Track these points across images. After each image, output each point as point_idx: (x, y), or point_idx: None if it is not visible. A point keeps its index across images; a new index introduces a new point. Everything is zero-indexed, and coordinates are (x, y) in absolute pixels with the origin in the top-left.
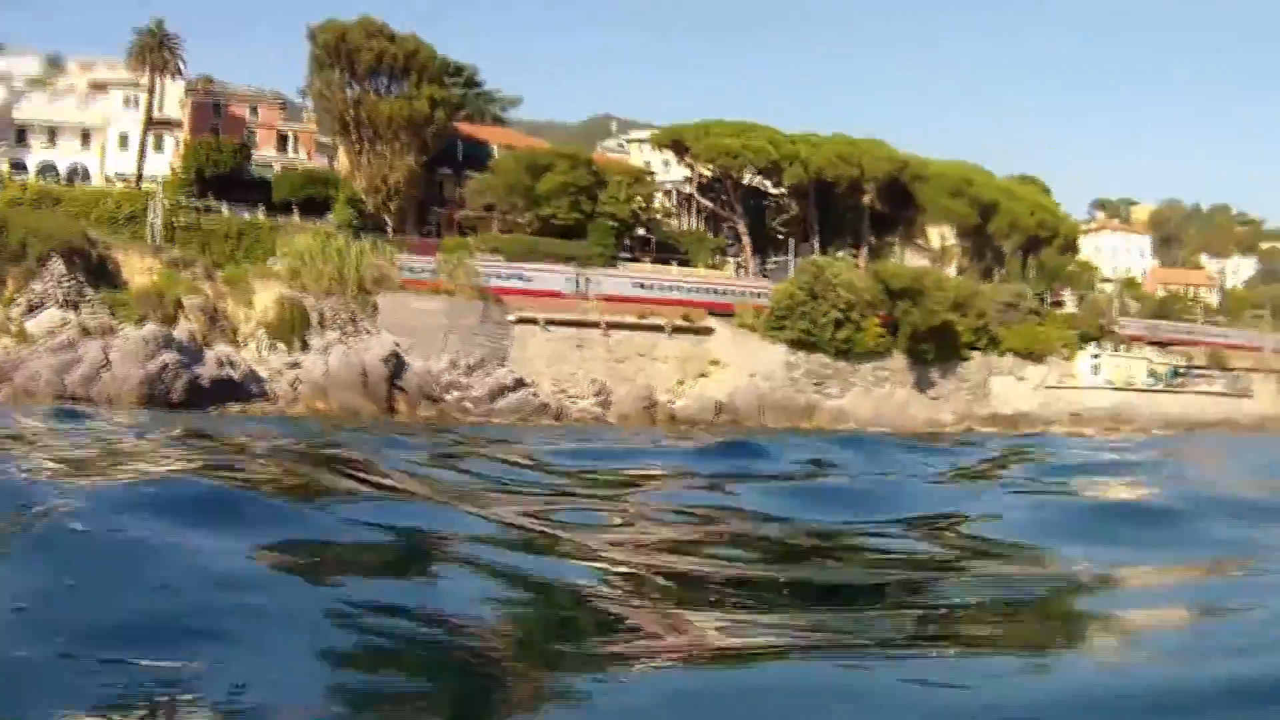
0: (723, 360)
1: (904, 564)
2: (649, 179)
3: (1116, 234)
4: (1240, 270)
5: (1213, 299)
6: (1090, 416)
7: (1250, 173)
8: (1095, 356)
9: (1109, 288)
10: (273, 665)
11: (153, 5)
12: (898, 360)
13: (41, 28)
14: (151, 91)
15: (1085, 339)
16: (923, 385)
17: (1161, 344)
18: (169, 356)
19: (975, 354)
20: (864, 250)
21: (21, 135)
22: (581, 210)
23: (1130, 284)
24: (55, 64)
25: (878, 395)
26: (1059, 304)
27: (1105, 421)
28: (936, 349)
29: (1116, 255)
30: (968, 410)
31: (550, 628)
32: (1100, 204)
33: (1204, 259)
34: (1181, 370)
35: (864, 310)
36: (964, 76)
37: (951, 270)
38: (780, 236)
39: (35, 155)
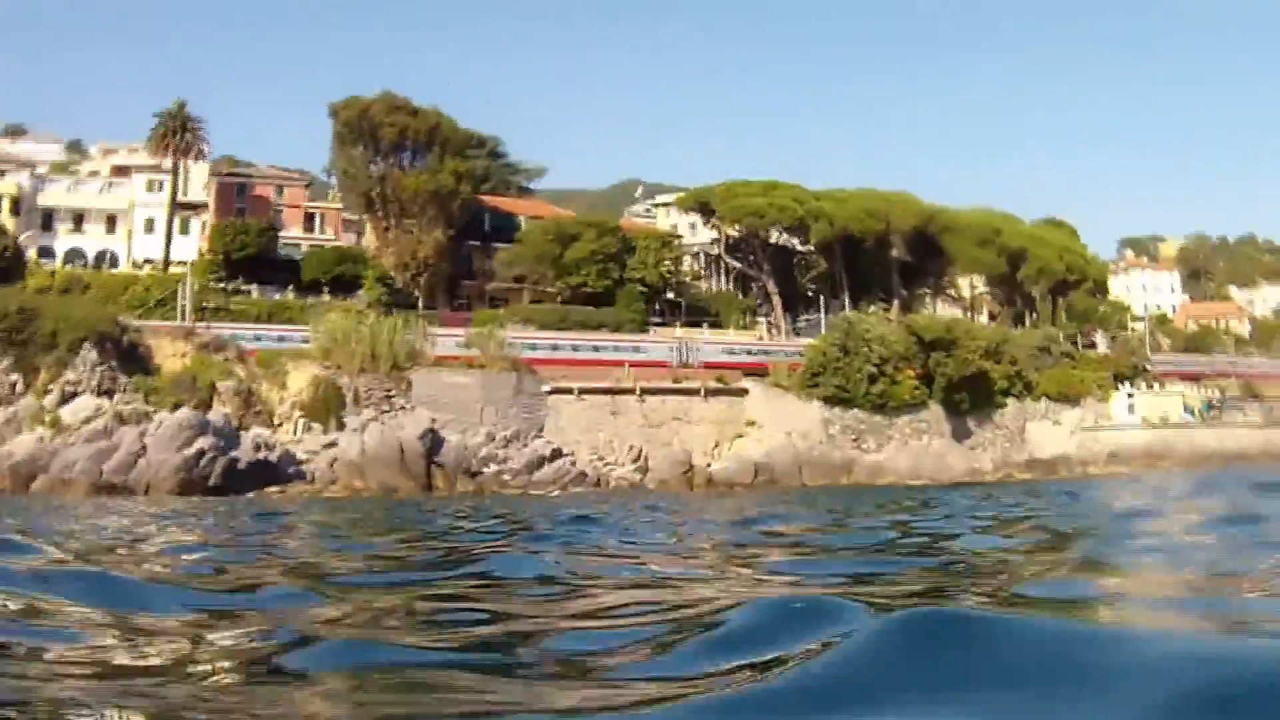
0: (758, 420)
1: None
2: (676, 242)
3: (1145, 272)
4: (1270, 299)
5: (1244, 329)
6: (1127, 455)
7: (1276, 201)
8: (1129, 396)
9: (1140, 326)
10: None
11: (173, 89)
12: (934, 411)
13: (61, 113)
14: (175, 174)
15: (1119, 379)
16: (959, 435)
17: (1194, 378)
18: (205, 441)
19: (1010, 400)
20: (895, 303)
21: (47, 221)
22: (610, 277)
23: (1161, 320)
24: (77, 149)
25: (915, 448)
26: (1091, 345)
27: (1142, 460)
28: (971, 398)
29: (1146, 293)
30: (1005, 457)
31: None
32: (1128, 242)
33: (1233, 290)
34: (1216, 404)
35: (897, 363)
36: (987, 123)
37: (983, 318)
38: (810, 294)
39: (61, 241)
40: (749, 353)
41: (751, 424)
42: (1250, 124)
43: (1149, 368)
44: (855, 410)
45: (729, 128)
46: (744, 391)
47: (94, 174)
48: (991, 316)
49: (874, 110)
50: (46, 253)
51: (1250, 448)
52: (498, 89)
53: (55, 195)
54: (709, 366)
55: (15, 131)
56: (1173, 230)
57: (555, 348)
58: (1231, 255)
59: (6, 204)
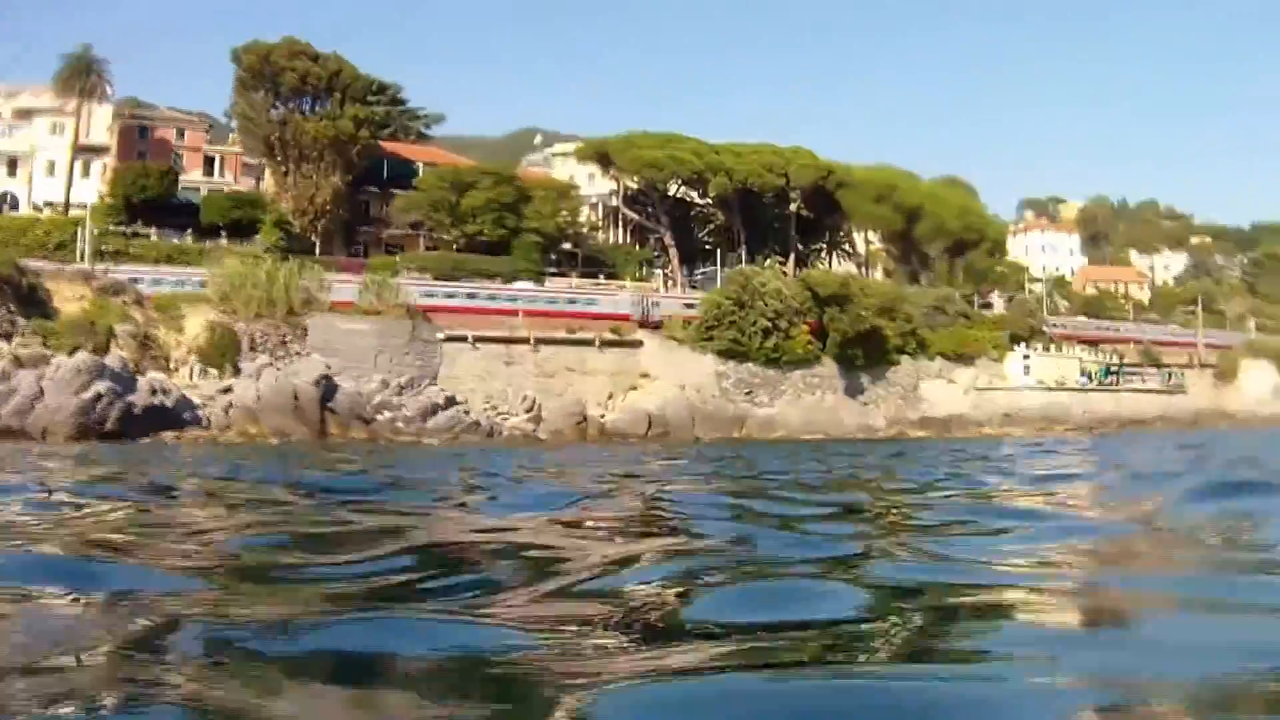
0: (653, 373)
1: None
2: (574, 193)
3: (1045, 233)
4: (1171, 266)
5: (1143, 296)
6: (1022, 417)
7: (1177, 167)
8: (1026, 357)
9: (1038, 288)
10: None
11: (77, 29)
12: (827, 367)
13: None
14: (79, 117)
15: (1015, 340)
16: (853, 391)
17: (1092, 342)
18: (102, 385)
19: (904, 358)
20: (791, 258)
21: None
22: (507, 226)
23: (1059, 283)
24: None
25: (808, 403)
26: (988, 306)
27: (1038, 422)
28: (865, 354)
29: (1045, 255)
30: (899, 415)
31: None
32: (1029, 203)
33: (1133, 256)
34: (1114, 368)
35: (792, 318)
36: (889, 82)
37: (878, 275)
38: (708, 247)
39: None
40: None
41: (645, 376)
42: (1155, 88)
43: (1046, 330)
44: (749, 364)
45: (629, 79)
46: (639, 343)
47: None
48: (887, 273)
49: (775, 66)
50: None
51: (1148, 413)
52: (398, 34)
53: None
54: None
55: None
56: (1074, 193)
57: (492, 298)
58: (1132, 219)
59: None
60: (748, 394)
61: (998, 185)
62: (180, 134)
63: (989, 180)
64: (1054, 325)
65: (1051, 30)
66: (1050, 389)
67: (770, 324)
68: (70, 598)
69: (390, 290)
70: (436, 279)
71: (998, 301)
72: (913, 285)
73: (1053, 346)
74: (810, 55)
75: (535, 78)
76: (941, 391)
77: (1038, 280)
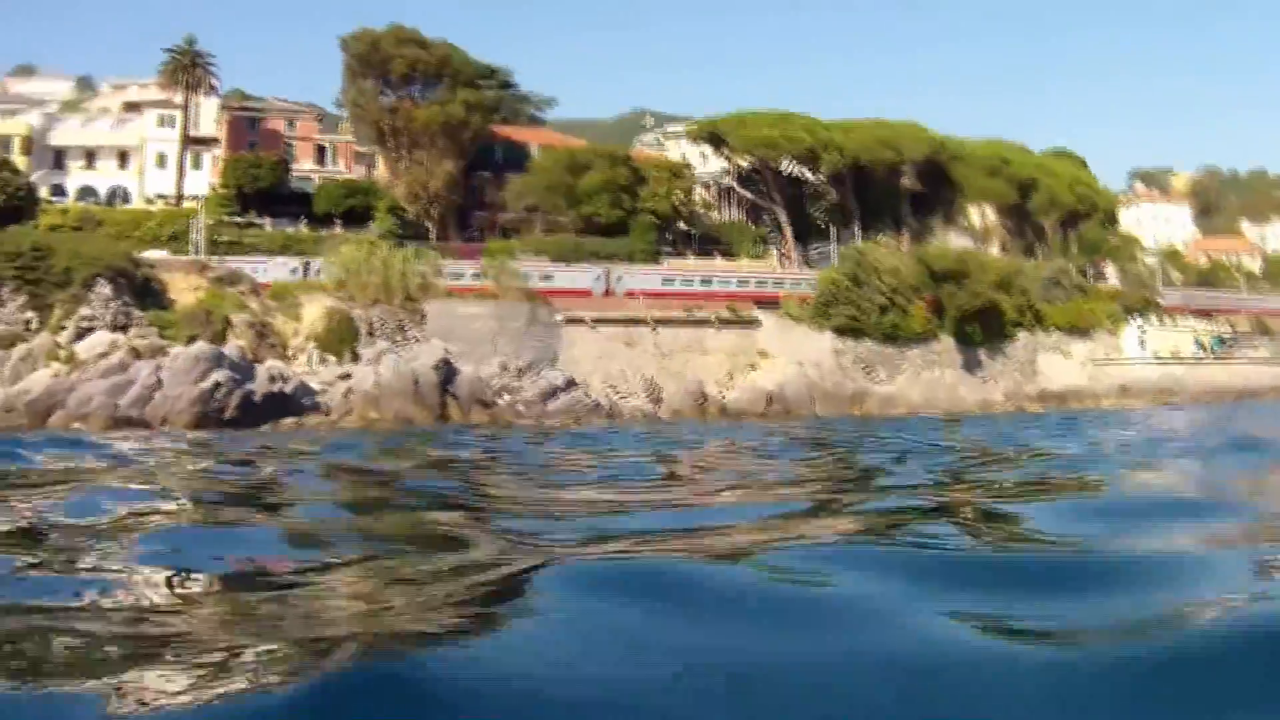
0: (771, 351)
1: None
2: (688, 173)
3: (1156, 205)
4: None
5: (1255, 265)
6: (1139, 389)
7: None
8: (1140, 329)
9: (1151, 259)
10: None
11: (182, 23)
12: (945, 343)
13: (69, 51)
14: (186, 110)
15: (1129, 312)
16: (971, 366)
17: (1205, 313)
18: (220, 374)
19: (1021, 332)
20: (905, 234)
21: (59, 159)
22: (622, 207)
23: (1172, 255)
24: (87, 86)
25: (927, 379)
26: (1101, 278)
27: (1153, 394)
28: (983, 329)
29: (1157, 226)
30: (1017, 389)
31: None
32: (1139, 175)
33: (1245, 225)
34: (1227, 339)
35: (909, 294)
36: (998, 54)
37: (994, 249)
38: (821, 224)
39: (74, 178)
40: (689, 282)
41: (764, 355)
42: (1264, 57)
43: (1160, 301)
44: (867, 341)
45: (739, 58)
46: (757, 322)
47: (104, 111)
48: (1002, 248)
49: (885, 41)
50: (59, 191)
51: (1261, 384)
52: (507, 19)
53: (66, 133)
54: (630, 294)
55: (24, 71)
56: (1184, 163)
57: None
58: (1243, 189)
59: (18, 143)
60: (866, 371)
61: (1106, 157)
62: (290, 124)
63: (1097, 152)
64: (1166, 297)
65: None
66: (1165, 361)
67: (887, 300)
68: None
69: (508, 273)
70: (554, 261)
71: (1112, 274)
72: (1027, 259)
73: (1166, 318)
74: (915, 26)
75: (644, 59)
76: (1058, 365)
77: (1150, 252)
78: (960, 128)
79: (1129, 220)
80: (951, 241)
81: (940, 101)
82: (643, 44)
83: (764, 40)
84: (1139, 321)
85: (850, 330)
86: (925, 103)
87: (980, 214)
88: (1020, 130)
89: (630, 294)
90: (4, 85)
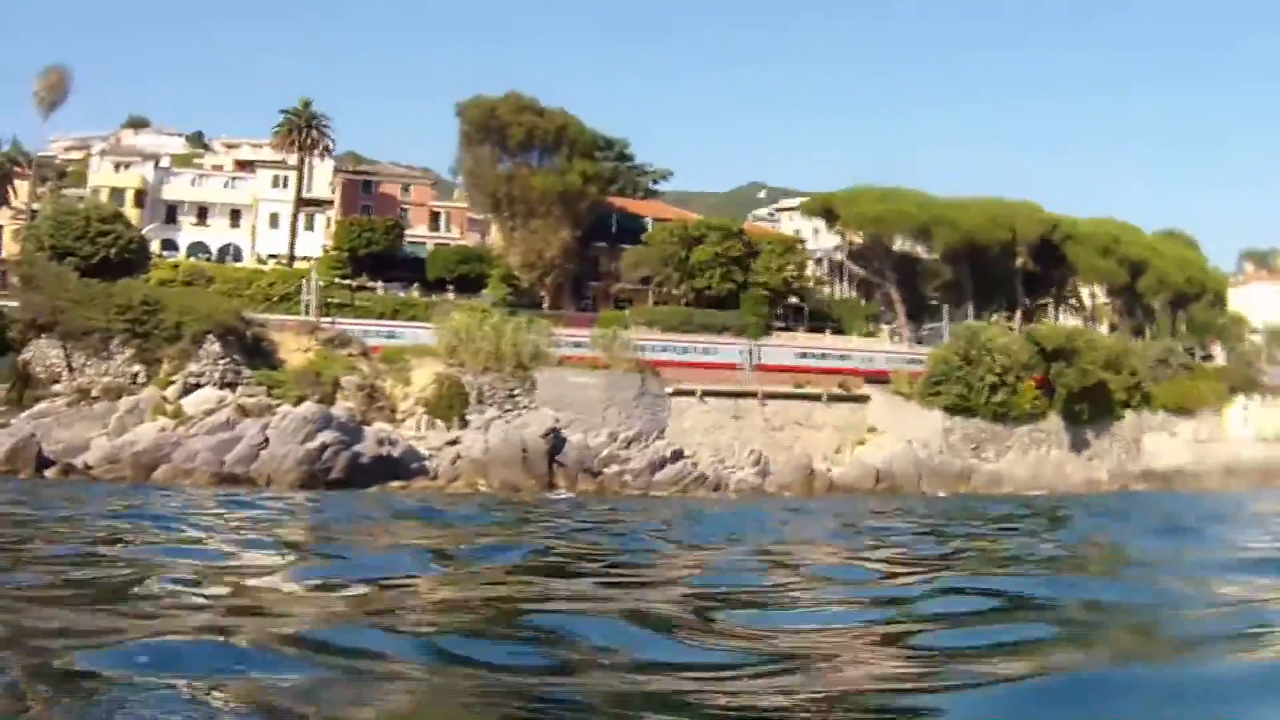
0: (880, 427)
1: None
2: (800, 247)
3: (1266, 284)
4: None
5: None
6: (1242, 470)
7: None
8: (1245, 409)
9: (1257, 338)
10: None
11: (296, 85)
12: (1052, 421)
13: (182, 107)
14: (300, 171)
15: (1234, 391)
16: (1077, 445)
17: None
18: (328, 435)
19: (1128, 412)
20: (1018, 312)
21: (171, 214)
22: (734, 280)
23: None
24: (199, 142)
25: (1034, 457)
26: (1209, 358)
27: (1257, 474)
28: (1090, 408)
29: (1266, 305)
30: (1121, 468)
31: None
32: (1248, 255)
33: None
34: None
35: (1019, 373)
36: (1110, 133)
37: (1103, 328)
38: (934, 302)
39: (186, 234)
40: (823, 356)
41: (873, 430)
42: None
43: (1265, 381)
44: (976, 419)
45: (852, 131)
46: (866, 398)
47: (217, 168)
48: (1111, 327)
49: (996, 118)
50: (170, 245)
51: None
52: (623, 89)
53: (179, 189)
54: (764, 369)
55: (137, 124)
56: None
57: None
58: None
59: (130, 196)
60: (974, 449)
61: (1216, 237)
62: (405, 189)
63: (1207, 232)
64: (1273, 376)
65: (1265, 79)
66: (1269, 440)
67: (998, 379)
68: None
69: (619, 344)
70: (665, 333)
71: (1219, 354)
72: (1136, 338)
73: (1271, 397)
74: (1028, 109)
75: (759, 132)
76: (1164, 444)
77: (1257, 331)
78: (1072, 205)
79: (1239, 300)
80: (1063, 320)
81: (1052, 178)
82: (758, 117)
83: (880, 116)
84: (1243, 400)
85: (960, 408)
86: (1037, 178)
87: (1091, 294)
88: (1131, 209)
89: (764, 368)
90: (117, 138)
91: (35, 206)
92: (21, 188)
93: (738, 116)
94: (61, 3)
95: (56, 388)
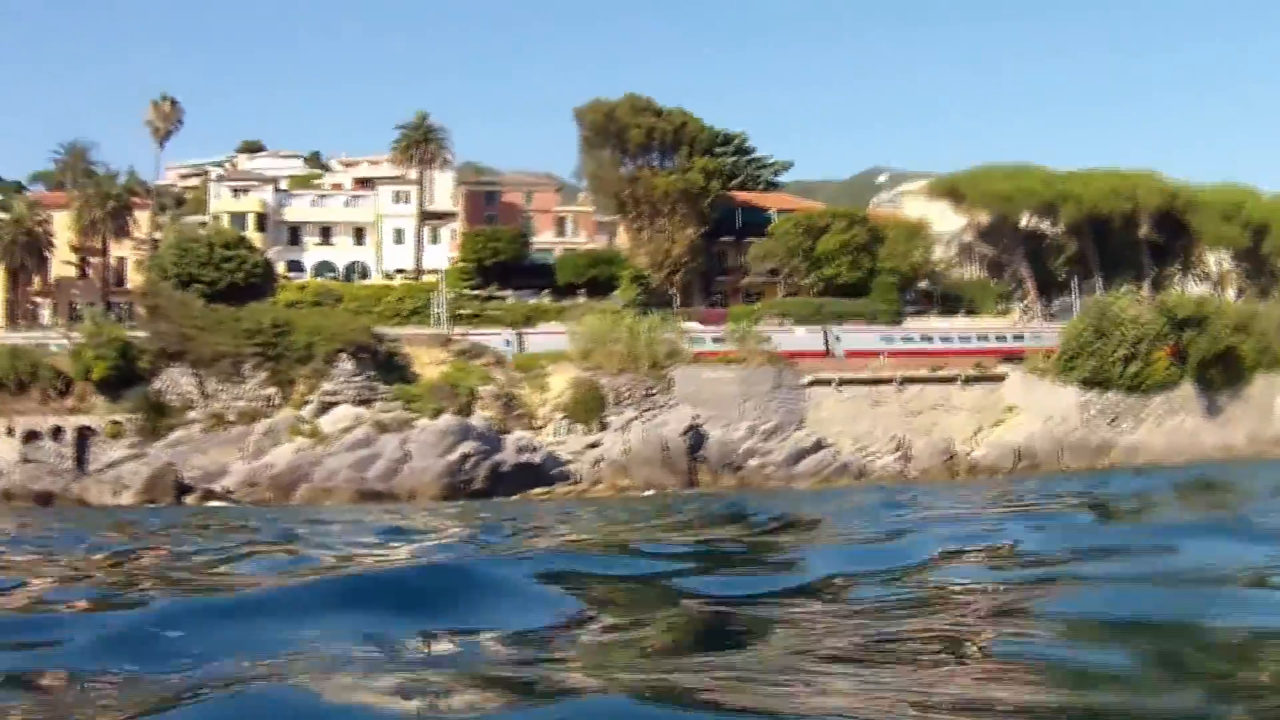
0: (1017, 406)
1: None
2: (926, 231)
3: None
4: None
5: None
6: None
7: None
8: None
9: None
10: None
11: (407, 100)
12: (1185, 389)
13: (295, 128)
14: (421, 185)
15: None
16: (1211, 412)
17: None
18: (468, 446)
19: (1258, 376)
20: (1145, 283)
21: (294, 235)
22: (862, 267)
23: None
24: (316, 162)
25: (1169, 427)
26: None
27: None
28: (1223, 374)
29: None
30: (1257, 432)
31: None
32: None
33: None
34: None
35: (1150, 343)
36: (1225, 94)
37: (1230, 294)
38: (1062, 277)
39: (310, 254)
40: (901, 340)
41: (1010, 409)
42: None
43: None
44: (1111, 392)
45: (973, 111)
46: (1002, 377)
47: (336, 187)
48: (1239, 291)
49: (1114, 87)
50: (295, 266)
51: None
52: (736, 84)
53: (300, 210)
54: (851, 355)
55: (252, 148)
56: None
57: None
58: None
59: (252, 220)
60: (1111, 422)
61: None
62: (528, 196)
63: None
64: None
65: None
66: None
67: (1130, 350)
68: None
69: (753, 337)
70: (797, 324)
71: None
72: (1263, 301)
73: None
74: (1146, 72)
75: (877, 117)
76: None
77: None
78: (1192, 171)
79: None
80: (1190, 288)
81: (1172, 145)
82: (876, 101)
83: (999, 92)
84: None
85: (1095, 382)
86: (1158, 147)
87: (1216, 259)
88: (1249, 172)
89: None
90: (233, 163)
91: (156, 236)
92: (141, 218)
93: (854, 104)
94: (169, 34)
95: (190, 415)
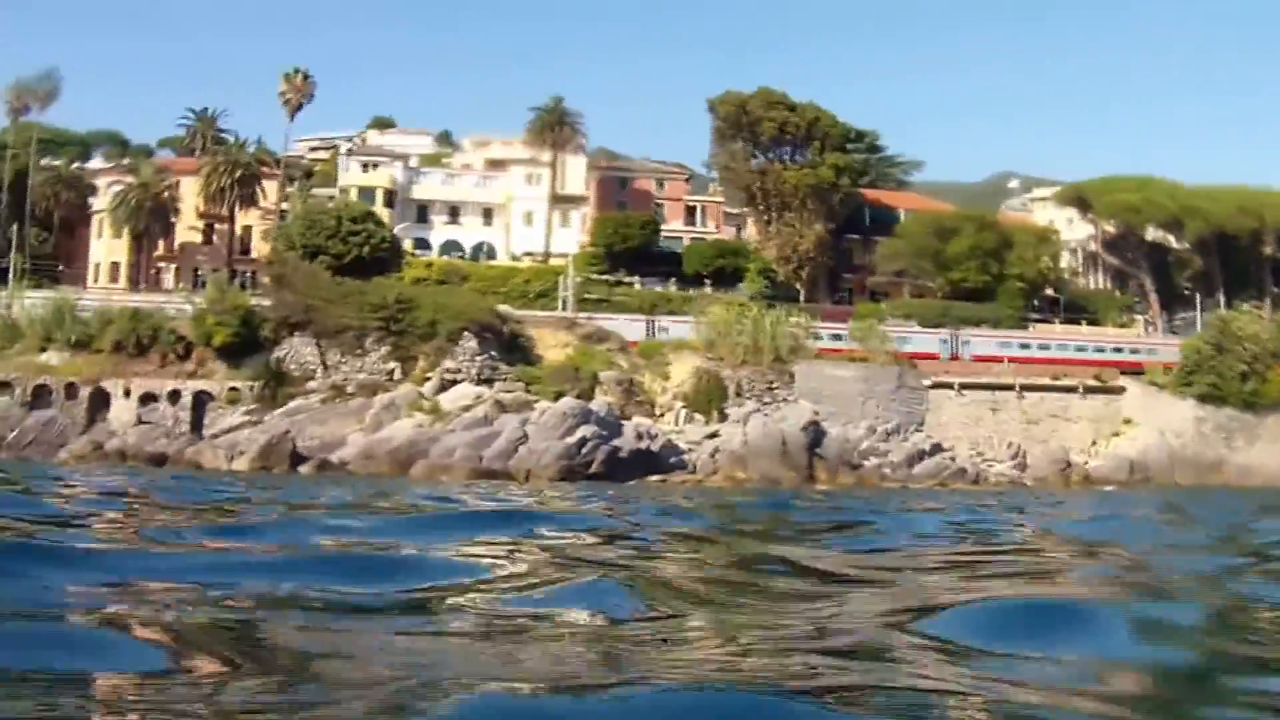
0: (1134, 418)
1: None
2: (1054, 238)
3: None
4: None
5: None
6: None
7: None
8: None
9: None
10: None
11: (543, 84)
12: None
13: (428, 106)
14: (554, 168)
15: None
16: None
17: None
18: (588, 430)
19: None
20: (1267, 300)
21: (422, 213)
22: (989, 272)
23: None
24: (447, 141)
25: None
26: None
27: None
28: None
29: None
30: None
31: None
32: None
33: None
34: None
35: (1267, 360)
36: None
37: None
38: (1186, 292)
39: (438, 233)
40: (1023, 346)
41: (1127, 422)
42: None
43: None
44: (1227, 408)
45: (1106, 120)
46: (1121, 390)
47: (467, 166)
48: None
49: (1253, 99)
50: (422, 244)
51: None
52: (870, 80)
53: (430, 188)
54: (976, 359)
55: (383, 124)
56: None
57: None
58: None
59: (380, 196)
60: (1224, 438)
61: None
62: (660, 184)
63: None
64: None
65: None
66: None
67: (1247, 367)
68: None
69: (877, 336)
70: (922, 326)
71: None
72: None
73: None
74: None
75: (1010, 121)
76: None
77: None
78: None
79: None
80: None
81: None
82: (1009, 105)
83: (1132, 103)
84: None
85: (1211, 397)
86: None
87: None
88: None
89: (976, 358)
90: (363, 138)
91: (284, 206)
92: (269, 188)
93: (988, 106)
94: (305, 7)
95: (310, 385)
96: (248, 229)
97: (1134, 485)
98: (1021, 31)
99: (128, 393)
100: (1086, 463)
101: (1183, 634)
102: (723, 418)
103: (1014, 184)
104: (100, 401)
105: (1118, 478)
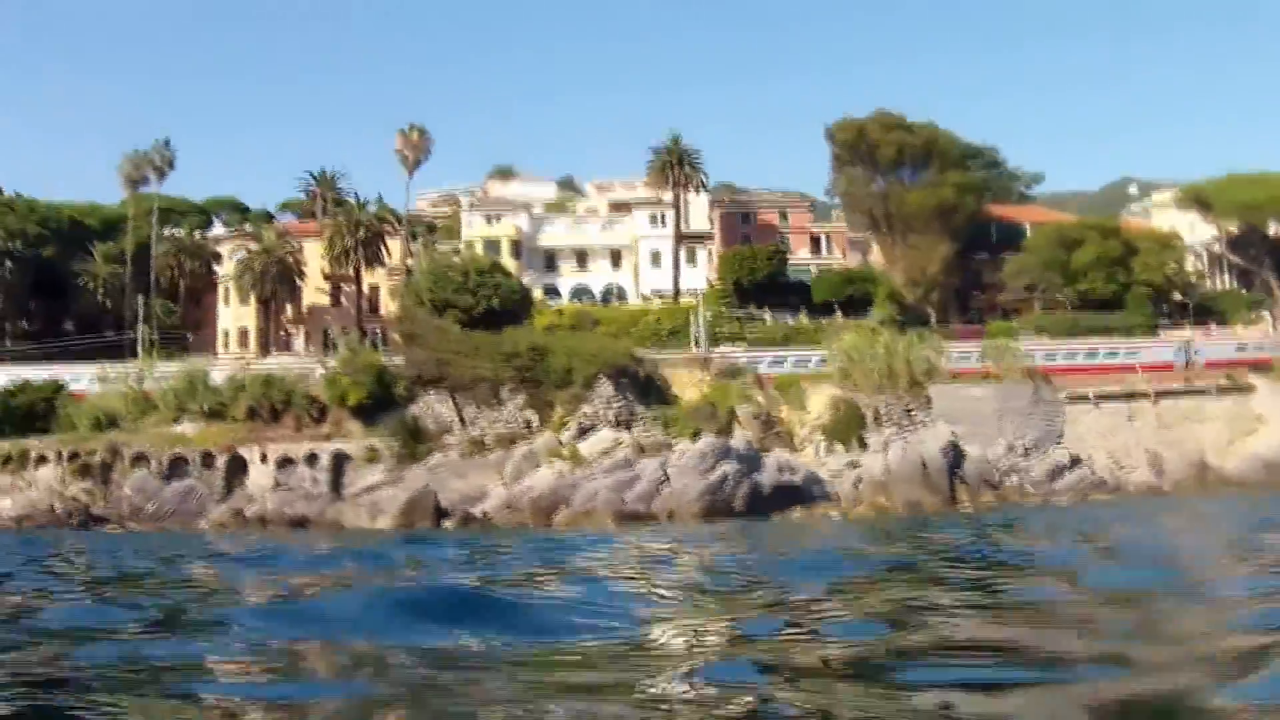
0: (1266, 417)
1: None
2: (1178, 242)
3: None
4: None
5: None
6: None
7: None
8: None
9: None
10: None
11: (658, 122)
12: None
13: (545, 153)
14: (678, 207)
15: None
16: None
17: None
18: (728, 466)
19: None
20: None
21: (550, 260)
22: (1116, 280)
23: None
24: (570, 187)
25: None
26: None
27: None
28: None
29: None
30: None
31: None
32: None
33: None
34: None
35: None
36: None
37: None
38: None
39: (566, 279)
40: (1239, 349)
41: (1259, 419)
42: None
43: None
44: None
45: (1216, 116)
46: (1251, 388)
47: (591, 211)
48: None
49: None
50: (551, 291)
51: None
52: (982, 94)
53: (555, 235)
54: (1211, 365)
55: (504, 174)
56: None
57: (1054, 356)
58: None
59: (506, 245)
60: None
61: None
62: (783, 215)
63: None
64: None
65: None
66: None
67: None
68: None
69: (1010, 354)
70: (1053, 339)
71: None
72: None
73: None
74: None
75: (1127, 125)
76: None
77: None
78: None
79: None
80: None
81: None
82: (1125, 110)
83: (1245, 99)
84: None
85: None
86: None
87: None
88: None
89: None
90: (484, 189)
91: (409, 263)
92: (393, 246)
93: (1102, 113)
94: (417, 65)
95: (448, 439)
96: (374, 288)
97: (1270, 485)
98: (1128, 34)
99: (264, 458)
100: (1222, 465)
101: None
102: (863, 446)
103: (1133, 189)
104: (237, 468)
105: (1254, 478)
